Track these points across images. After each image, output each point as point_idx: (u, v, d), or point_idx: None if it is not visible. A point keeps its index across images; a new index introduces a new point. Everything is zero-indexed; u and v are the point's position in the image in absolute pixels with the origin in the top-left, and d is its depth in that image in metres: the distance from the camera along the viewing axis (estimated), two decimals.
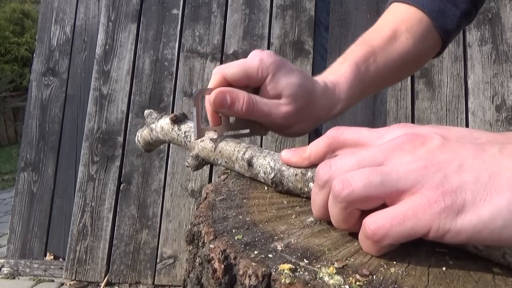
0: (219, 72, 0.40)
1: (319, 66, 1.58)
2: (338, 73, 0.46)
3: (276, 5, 1.62)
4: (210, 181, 1.58)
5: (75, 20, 1.88)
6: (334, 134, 0.30)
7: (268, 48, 1.59)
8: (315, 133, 1.54)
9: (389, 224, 0.22)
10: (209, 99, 0.38)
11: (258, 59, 0.40)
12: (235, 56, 1.61)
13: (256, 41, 1.61)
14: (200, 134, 0.39)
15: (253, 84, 0.41)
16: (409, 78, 1.49)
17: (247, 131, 0.43)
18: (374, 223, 0.22)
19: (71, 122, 1.83)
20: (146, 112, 0.48)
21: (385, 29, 0.50)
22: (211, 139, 0.40)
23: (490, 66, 1.43)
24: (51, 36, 1.87)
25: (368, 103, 1.52)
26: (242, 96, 0.39)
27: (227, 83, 0.40)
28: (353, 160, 0.25)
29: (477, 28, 1.46)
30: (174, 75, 1.65)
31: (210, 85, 0.41)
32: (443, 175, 0.22)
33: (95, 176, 1.64)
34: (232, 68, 0.40)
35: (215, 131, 0.40)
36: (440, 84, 1.47)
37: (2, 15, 4.58)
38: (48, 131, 1.83)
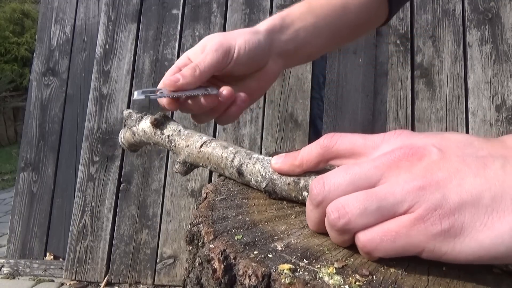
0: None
1: (318, 66, 1.58)
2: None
3: (276, 5, 1.62)
4: (210, 181, 1.58)
5: (75, 20, 1.88)
6: (328, 144, 0.28)
7: None
8: (315, 134, 1.54)
9: (379, 239, 0.22)
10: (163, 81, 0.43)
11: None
12: None
13: None
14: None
15: None
16: (409, 78, 1.49)
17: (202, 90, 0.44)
18: (364, 235, 0.22)
19: (71, 122, 1.83)
20: (125, 112, 0.46)
21: None
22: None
23: (490, 66, 1.43)
24: (51, 36, 1.87)
25: (368, 103, 1.52)
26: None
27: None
28: (347, 179, 0.24)
29: (477, 28, 1.46)
30: None
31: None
32: (442, 196, 0.21)
33: (95, 176, 1.64)
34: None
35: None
36: (440, 84, 1.47)
37: (2, 15, 4.57)
38: (48, 131, 1.83)
